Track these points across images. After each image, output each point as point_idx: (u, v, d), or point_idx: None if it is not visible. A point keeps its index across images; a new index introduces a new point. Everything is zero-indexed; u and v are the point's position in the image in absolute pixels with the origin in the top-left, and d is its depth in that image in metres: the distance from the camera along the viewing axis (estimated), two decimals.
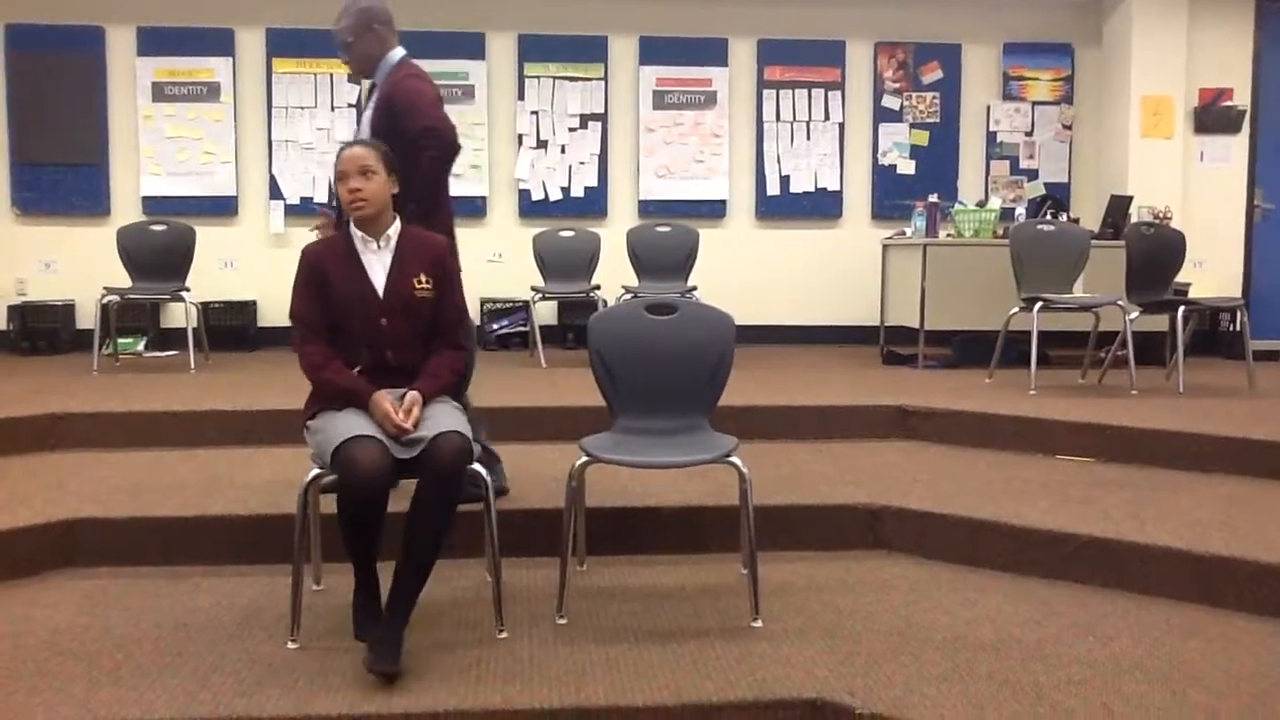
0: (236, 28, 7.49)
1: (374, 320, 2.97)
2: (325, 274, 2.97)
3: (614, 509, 3.76)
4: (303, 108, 7.61)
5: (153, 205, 7.40)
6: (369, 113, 3.69)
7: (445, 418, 2.89)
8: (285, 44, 7.53)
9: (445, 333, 3.07)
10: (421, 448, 2.79)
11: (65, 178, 7.45)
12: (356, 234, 3.02)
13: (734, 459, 3.08)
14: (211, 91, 7.48)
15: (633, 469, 3.74)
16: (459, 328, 3.10)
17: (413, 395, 2.90)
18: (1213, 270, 7.75)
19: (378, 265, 3.01)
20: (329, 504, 3.44)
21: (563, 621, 3.09)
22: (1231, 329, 7.36)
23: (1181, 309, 5.73)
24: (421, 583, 2.84)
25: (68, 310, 7.36)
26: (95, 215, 7.47)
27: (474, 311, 7.42)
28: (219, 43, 7.42)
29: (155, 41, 7.44)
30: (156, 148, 7.50)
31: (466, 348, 3.13)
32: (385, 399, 2.85)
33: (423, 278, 3.02)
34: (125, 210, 7.43)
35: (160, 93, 7.44)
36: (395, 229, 3.06)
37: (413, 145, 3.46)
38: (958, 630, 3.03)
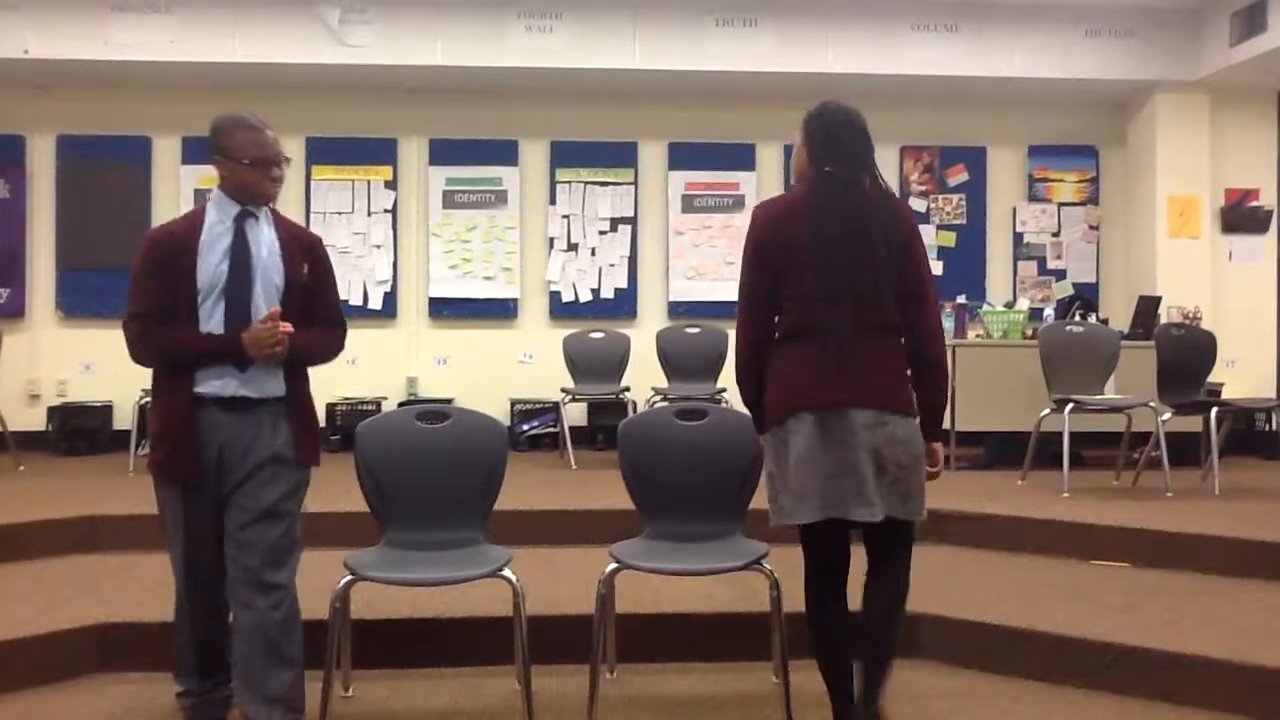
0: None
1: None
2: None
3: (645, 615, 3.74)
4: (340, 213, 7.80)
5: None
6: (276, 251, 3.06)
7: None
8: (324, 152, 7.76)
9: None
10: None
11: (109, 282, 7.61)
12: None
13: (764, 565, 3.08)
14: None
15: (663, 575, 3.72)
16: None
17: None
18: (1246, 369, 7.71)
19: None
20: (360, 609, 3.46)
21: None
22: (1267, 429, 7.29)
23: (1215, 410, 5.70)
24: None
25: (106, 411, 7.47)
26: None
27: (504, 412, 7.49)
28: None
29: (199, 151, 7.67)
30: None
31: None
32: None
33: None
34: None
35: (202, 199, 7.63)
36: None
37: (324, 317, 3.18)
38: None
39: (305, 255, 3.11)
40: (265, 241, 3.05)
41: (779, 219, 2.94)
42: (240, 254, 3.00)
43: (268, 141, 3.09)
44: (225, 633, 3.05)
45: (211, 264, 2.97)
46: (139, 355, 3.02)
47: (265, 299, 2.99)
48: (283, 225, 3.14)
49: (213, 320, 2.95)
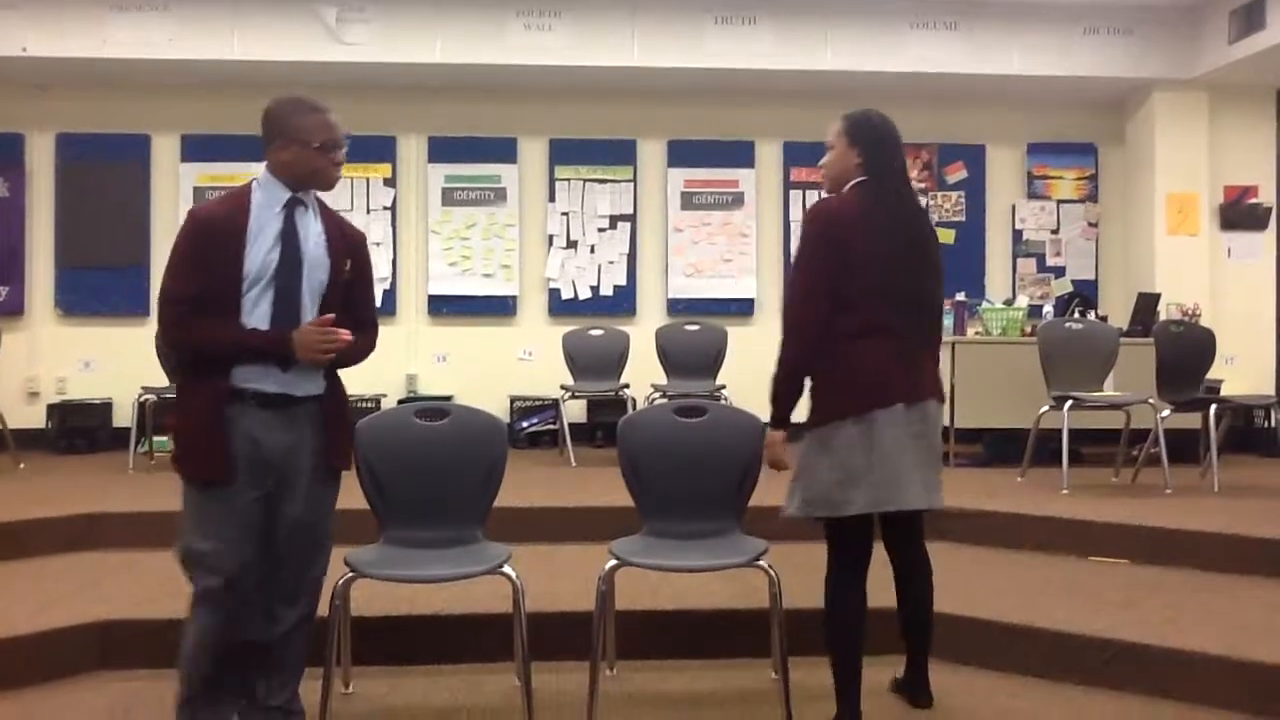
0: None
1: None
2: None
3: (644, 612, 3.74)
4: (339, 210, 7.77)
5: None
6: (322, 244, 2.90)
7: None
8: None
9: None
10: None
11: (108, 279, 7.63)
12: None
13: (763, 563, 3.08)
14: None
15: (662, 572, 3.73)
16: None
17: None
18: (1245, 366, 7.70)
19: None
20: (360, 606, 3.47)
21: None
22: (1266, 426, 7.29)
23: (1214, 407, 5.70)
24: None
25: (105, 409, 7.47)
26: (135, 315, 7.63)
27: (503, 409, 7.49)
28: (260, 149, 7.62)
29: (199, 148, 7.68)
30: None
31: None
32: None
33: None
34: None
35: (202, 197, 7.62)
36: None
37: (359, 318, 2.99)
38: None
39: (349, 252, 2.95)
40: (313, 233, 2.88)
41: (842, 222, 3.01)
42: (290, 243, 2.82)
43: (335, 124, 2.94)
44: (246, 632, 2.84)
45: (261, 251, 2.78)
46: (174, 342, 2.83)
47: (310, 294, 2.83)
48: (328, 217, 2.96)
49: (256, 312, 2.77)
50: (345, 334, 2.80)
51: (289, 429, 2.81)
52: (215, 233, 2.78)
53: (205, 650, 2.77)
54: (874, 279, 2.96)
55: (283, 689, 2.90)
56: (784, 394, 3.06)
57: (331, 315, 2.81)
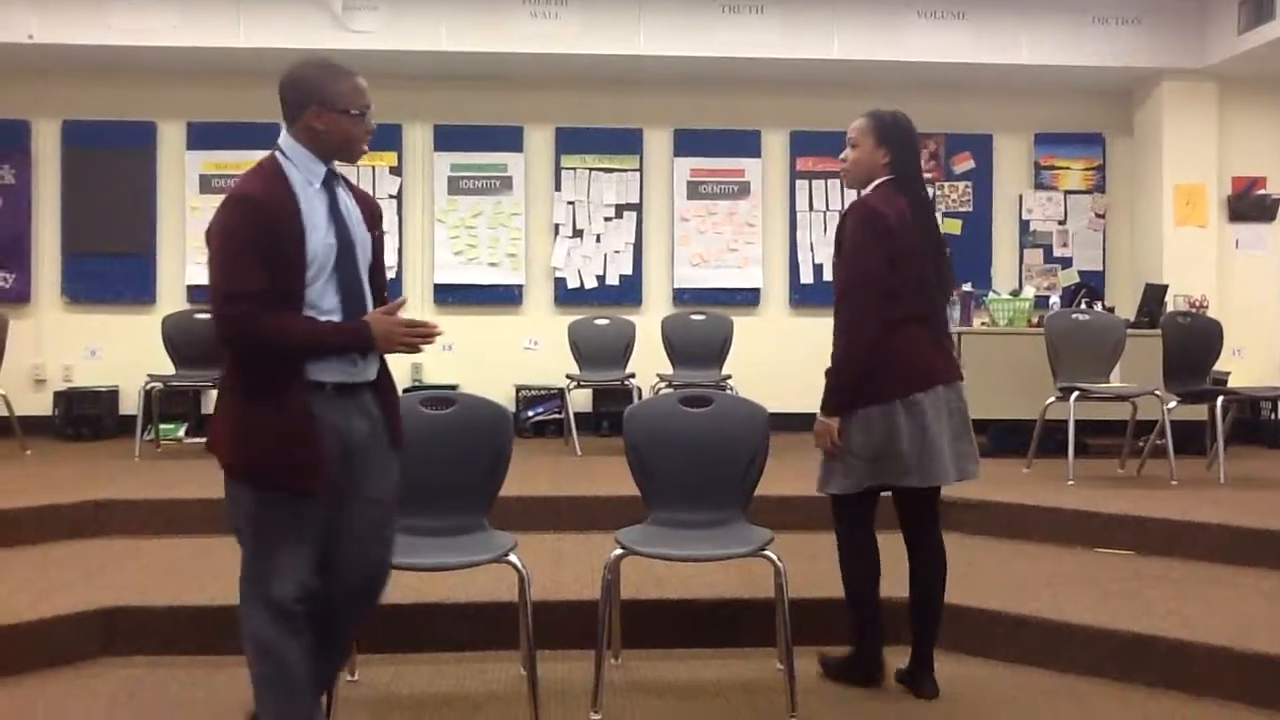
0: (281, 123, 7.70)
1: None
2: None
3: (649, 601, 3.75)
4: None
5: (198, 294, 7.53)
6: (360, 221, 2.70)
7: None
8: None
9: None
10: None
11: (114, 267, 7.64)
12: None
13: (769, 552, 3.09)
14: None
15: (667, 561, 3.73)
16: None
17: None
18: (1252, 358, 7.67)
19: None
20: None
21: (597, 717, 3.07)
22: (1273, 417, 7.27)
23: (1220, 399, 5.69)
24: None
25: (112, 397, 7.47)
26: (141, 303, 7.64)
27: (509, 398, 7.49)
28: (267, 136, 7.61)
29: (205, 136, 7.68)
30: (203, 238, 7.66)
31: None
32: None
33: None
34: (171, 299, 7.59)
35: (208, 185, 7.63)
36: None
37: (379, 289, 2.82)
38: None
39: (375, 225, 2.74)
40: (352, 209, 2.66)
41: (888, 218, 3.15)
42: (343, 226, 2.59)
43: (365, 90, 2.65)
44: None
45: (319, 235, 2.53)
46: (243, 341, 2.52)
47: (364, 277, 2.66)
48: (354, 190, 2.74)
49: (324, 303, 2.55)
50: (436, 326, 2.71)
51: (363, 414, 2.65)
52: (275, 217, 2.51)
53: (289, 668, 2.51)
54: (913, 271, 3.14)
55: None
56: (845, 388, 3.15)
57: (403, 299, 2.74)
